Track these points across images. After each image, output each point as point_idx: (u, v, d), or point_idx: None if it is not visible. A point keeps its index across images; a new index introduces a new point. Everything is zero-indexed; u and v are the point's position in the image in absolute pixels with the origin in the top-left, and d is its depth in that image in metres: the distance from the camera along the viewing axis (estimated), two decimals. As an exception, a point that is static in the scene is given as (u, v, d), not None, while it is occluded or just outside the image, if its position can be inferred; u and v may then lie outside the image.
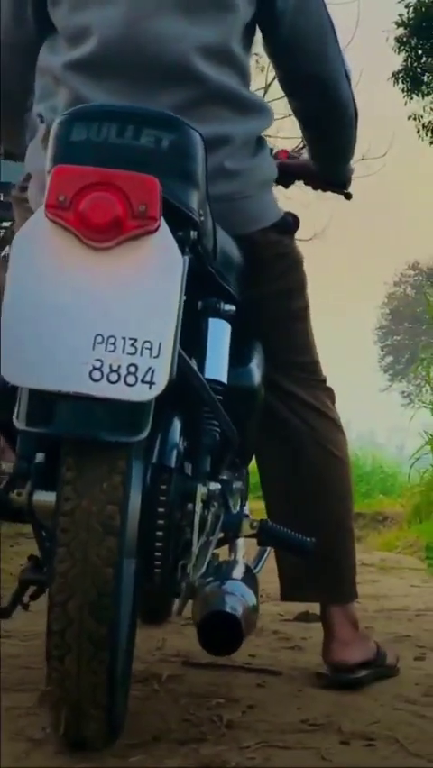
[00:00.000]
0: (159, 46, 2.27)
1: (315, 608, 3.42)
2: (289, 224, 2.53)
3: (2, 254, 2.89)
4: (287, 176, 2.82)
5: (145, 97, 2.25)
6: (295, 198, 18.23)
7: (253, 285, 2.40)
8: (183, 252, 1.87)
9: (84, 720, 1.83)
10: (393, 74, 17.48)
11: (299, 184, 2.93)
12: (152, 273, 1.82)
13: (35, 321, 1.80)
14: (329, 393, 2.71)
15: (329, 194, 2.91)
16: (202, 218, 2.02)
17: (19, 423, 1.83)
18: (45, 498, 1.88)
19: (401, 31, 17.30)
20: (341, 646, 2.62)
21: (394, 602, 4.19)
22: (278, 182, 2.70)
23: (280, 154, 2.85)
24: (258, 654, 2.92)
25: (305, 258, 2.65)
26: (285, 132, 16.30)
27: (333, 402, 2.70)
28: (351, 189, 2.88)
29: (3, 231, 10.08)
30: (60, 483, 1.81)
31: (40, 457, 1.92)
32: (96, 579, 1.76)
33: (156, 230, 1.83)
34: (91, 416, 1.80)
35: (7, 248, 2.72)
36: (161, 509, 1.94)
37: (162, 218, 1.84)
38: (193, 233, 1.96)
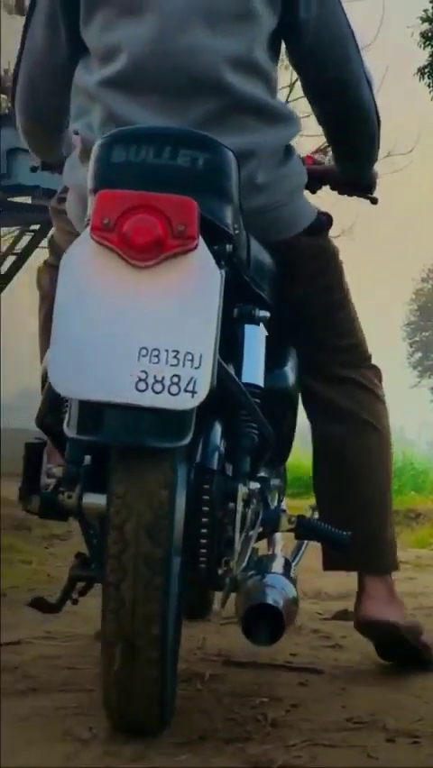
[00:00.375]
0: (187, 60, 2.36)
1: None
2: (322, 223, 2.65)
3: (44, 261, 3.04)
4: (313, 181, 2.86)
5: (176, 110, 2.35)
6: (321, 196, 18.27)
7: (295, 285, 2.58)
8: (220, 266, 1.98)
9: (137, 658, 1.90)
10: (419, 69, 17.36)
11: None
12: (191, 289, 1.93)
13: (84, 335, 1.91)
14: (375, 371, 2.83)
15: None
16: (237, 231, 2.14)
17: (69, 431, 1.95)
18: (93, 500, 1.98)
19: (427, 26, 17.23)
20: (376, 604, 2.68)
21: (431, 600, 4.20)
22: (305, 187, 2.73)
23: (305, 160, 2.84)
24: (299, 653, 2.93)
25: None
26: (309, 131, 16.32)
27: (379, 380, 2.83)
28: (378, 187, 2.92)
29: (32, 233, 10.12)
30: (110, 487, 1.92)
31: (86, 460, 2.01)
32: (148, 571, 1.89)
33: (195, 248, 1.94)
34: (138, 425, 1.91)
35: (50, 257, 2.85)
36: (204, 508, 2.01)
37: (200, 236, 1.94)
38: (229, 247, 2.08)
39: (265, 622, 2.14)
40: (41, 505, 2.05)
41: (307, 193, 2.76)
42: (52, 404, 2.04)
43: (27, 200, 10.04)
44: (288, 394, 2.51)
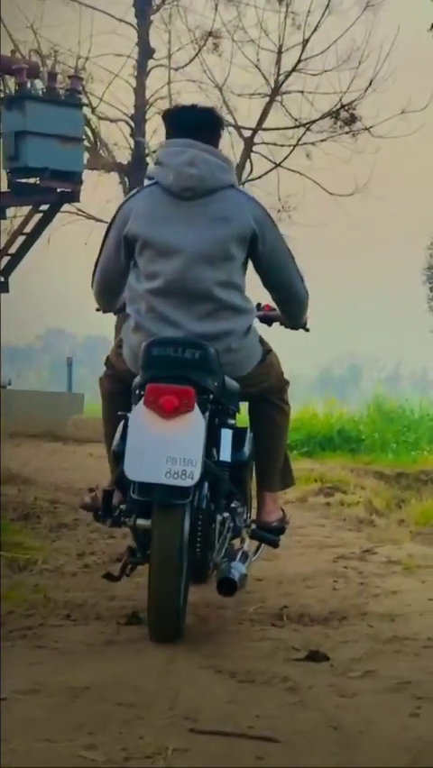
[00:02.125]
0: (195, 283, 4.30)
1: (324, 647, 3.64)
2: (265, 354, 4.65)
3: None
4: (269, 319, 4.93)
5: (188, 310, 4.30)
6: (334, 153, 17.88)
7: (251, 387, 4.58)
8: (204, 411, 4.08)
9: (166, 614, 3.95)
10: (433, 25, 17.25)
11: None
12: (190, 429, 4.00)
13: (142, 448, 3.98)
14: (286, 392, 4.83)
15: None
16: (216, 384, 4.18)
17: (133, 495, 4.05)
18: (141, 522, 4.07)
19: (441, -20, 17.07)
20: (265, 513, 4.77)
21: (407, 626, 4.37)
22: (263, 322, 4.89)
23: (265, 307, 4.90)
24: (263, 714, 3.12)
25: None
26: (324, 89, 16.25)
27: (286, 395, 4.82)
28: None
29: (41, 213, 10.23)
30: (153, 518, 3.97)
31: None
32: (167, 558, 3.93)
33: (192, 410, 4.01)
34: (165, 492, 3.95)
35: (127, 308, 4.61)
36: (199, 528, 4.05)
37: (196, 403, 4.01)
38: (211, 396, 4.16)
39: (228, 586, 4.12)
40: (112, 523, 4.42)
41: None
42: (121, 476, 4.11)
43: (36, 181, 10.13)
44: (244, 462, 4.51)
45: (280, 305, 4.69)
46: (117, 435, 4.23)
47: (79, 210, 16.80)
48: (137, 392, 4.15)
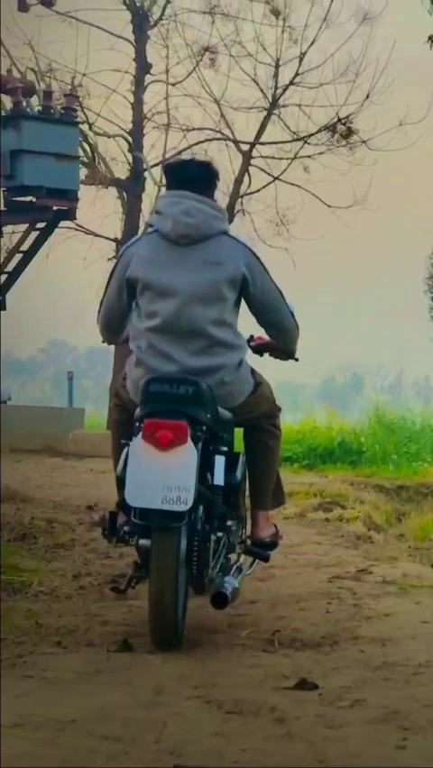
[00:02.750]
0: (190, 321, 4.68)
1: (314, 674, 3.63)
2: (257, 385, 5.00)
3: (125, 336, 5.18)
4: (260, 350, 5.27)
5: (183, 346, 4.67)
6: (332, 166, 17.91)
7: (243, 415, 4.93)
8: (196, 442, 4.42)
9: (164, 625, 4.33)
10: (430, 37, 17.27)
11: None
12: (184, 459, 4.35)
13: (141, 476, 4.35)
14: (277, 419, 5.22)
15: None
16: (208, 415, 4.54)
17: (134, 518, 4.42)
18: (142, 542, 4.42)
19: (438, -8, 17.10)
20: (259, 530, 5.12)
21: (399, 650, 4.36)
22: (255, 353, 5.24)
23: (257, 339, 5.21)
24: (249, 747, 3.11)
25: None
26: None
27: (278, 421, 5.22)
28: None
29: (37, 231, 10.26)
30: (153, 538, 4.34)
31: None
32: (165, 573, 4.31)
33: (186, 443, 4.36)
34: (162, 517, 4.32)
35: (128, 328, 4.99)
36: (195, 547, 4.43)
37: (189, 435, 4.37)
38: (203, 427, 4.51)
39: (220, 599, 4.51)
40: (117, 542, 4.73)
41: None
42: (124, 501, 4.45)
43: (32, 200, 10.14)
44: (236, 485, 4.84)
45: (273, 338, 5.14)
46: (121, 462, 4.61)
47: (78, 225, 16.83)
48: (137, 424, 4.52)
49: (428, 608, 5.27)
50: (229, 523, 4.73)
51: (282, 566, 6.74)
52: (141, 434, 4.39)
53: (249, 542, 5.07)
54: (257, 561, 5.14)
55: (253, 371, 4.97)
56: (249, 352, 5.09)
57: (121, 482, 4.56)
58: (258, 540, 5.09)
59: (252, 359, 5.11)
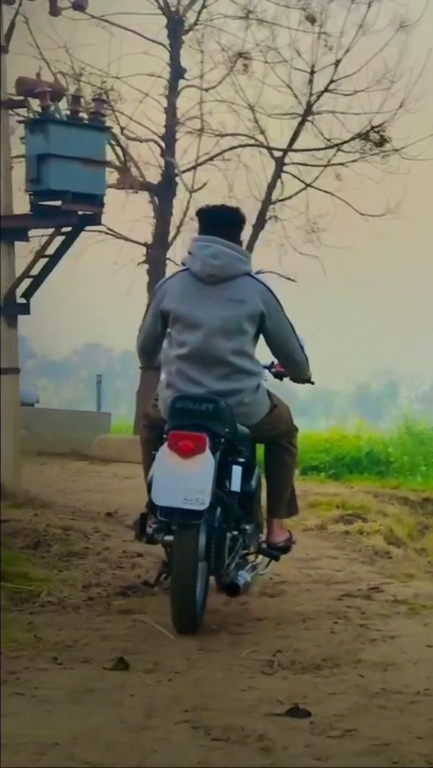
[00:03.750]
0: (214, 351, 5.32)
1: (310, 698, 3.56)
2: (272, 408, 5.60)
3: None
4: (280, 375, 5.97)
5: (208, 372, 5.30)
6: (366, 174, 17.83)
7: (262, 433, 5.57)
8: (214, 452, 5.02)
9: (184, 609, 4.96)
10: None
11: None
12: (202, 466, 4.96)
13: (166, 480, 4.99)
14: (295, 437, 5.86)
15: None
16: (226, 429, 5.15)
17: (159, 516, 5.04)
18: (167, 538, 5.05)
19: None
20: (274, 536, 5.75)
21: (399, 676, 4.27)
22: (276, 377, 5.96)
23: (277, 365, 5.89)
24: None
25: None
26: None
27: (295, 439, 5.84)
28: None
29: (63, 236, 10.23)
30: (175, 534, 4.98)
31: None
32: (186, 566, 4.95)
33: (204, 452, 4.97)
34: (183, 514, 4.93)
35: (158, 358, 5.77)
36: (213, 543, 5.02)
37: (208, 446, 4.98)
38: (222, 439, 5.11)
39: (232, 589, 5.21)
40: (147, 540, 5.23)
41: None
42: (152, 502, 5.09)
43: (57, 204, 10.09)
44: (251, 492, 5.47)
45: (284, 367, 5.87)
46: (150, 471, 5.21)
47: (109, 229, 16.81)
48: (164, 436, 5.14)
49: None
50: (246, 526, 5.40)
51: (294, 581, 6.66)
52: (166, 443, 5.03)
53: (264, 545, 5.73)
54: (272, 562, 5.82)
55: (270, 394, 5.61)
56: (271, 377, 5.93)
57: (150, 488, 5.18)
58: (273, 544, 5.75)
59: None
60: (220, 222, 5.48)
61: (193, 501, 4.89)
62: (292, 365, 5.74)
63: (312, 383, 5.95)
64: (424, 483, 15.39)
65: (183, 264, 5.55)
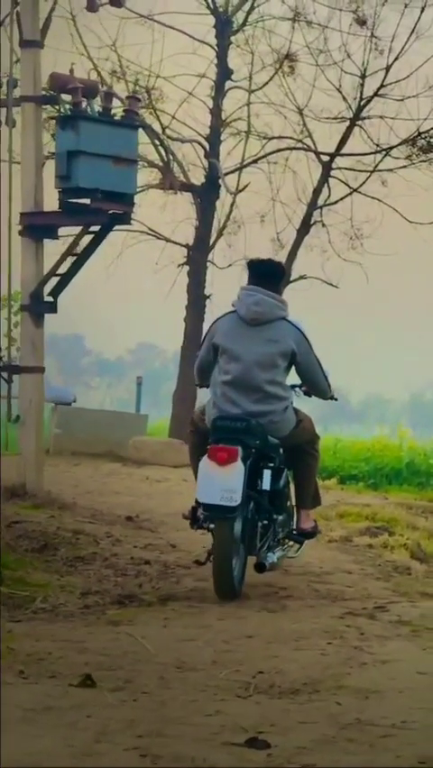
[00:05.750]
0: (251, 380, 6.60)
1: (277, 727, 3.35)
2: (299, 421, 6.88)
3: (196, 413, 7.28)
4: (308, 393, 7.15)
5: (246, 396, 6.59)
6: (415, 181, 17.49)
7: (290, 442, 6.80)
8: (245, 461, 6.36)
9: (223, 581, 6.29)
10: None
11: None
12: (235, 472, 6.31)
13: (208, 483, 6.33)
14: (317, 440, 7.21)
15: None
16: (257, 442, 6.49)
17: (203, 511, 6.45)
18: (212, 526, 6.39)
19: None
20: (301, 523, 6.99)
21: (379, 706, 4.04)
22: (306, 395, 7.19)
23: (303, 388, 7.14)
24: None
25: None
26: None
27: (318, 446, 7.21)
28: None
29: (92, 234, 10.10)
30: (214, 524, 6.36)
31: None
32: (226, 549, 6.29)
33: (236, 461, 6.33)
34: (220, 509, 6.30)
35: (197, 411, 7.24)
36: (248, 531, 6.45)
37: (240, 456, 6.32)
38: (252, 450, 6.46)
39: (259, 567, 6.44)
40: (197, 527, 6.59)
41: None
42: (197, 502, 6.43)
43: (86, 202, 9.96)
44: (280, 490, 6.76)
45: (310, 390, 7.16)
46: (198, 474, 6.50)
47: (150, 229, 16.67)
48: (207, 447, 6.45)
49: (431, 656, 4.93)
50: (277, 516, 6.69)
51: (300, 596, 6.46)
52: (207, 454, 6.39)
53: (294, 532, 6.97)
54: (303, 547, 7.04)
55: (296, 411, 6.92)
56: (301, 394, 7.24)
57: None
58: (301, 530, 7.02)
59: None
60: (264, 273, 6.83)
61: (227, 499, 6.21)
62: (316, 390, 7.13)
63: (335, 399, 7.40)
64: (464, 496, 15.08)
65: (233, 306, 6.83)
